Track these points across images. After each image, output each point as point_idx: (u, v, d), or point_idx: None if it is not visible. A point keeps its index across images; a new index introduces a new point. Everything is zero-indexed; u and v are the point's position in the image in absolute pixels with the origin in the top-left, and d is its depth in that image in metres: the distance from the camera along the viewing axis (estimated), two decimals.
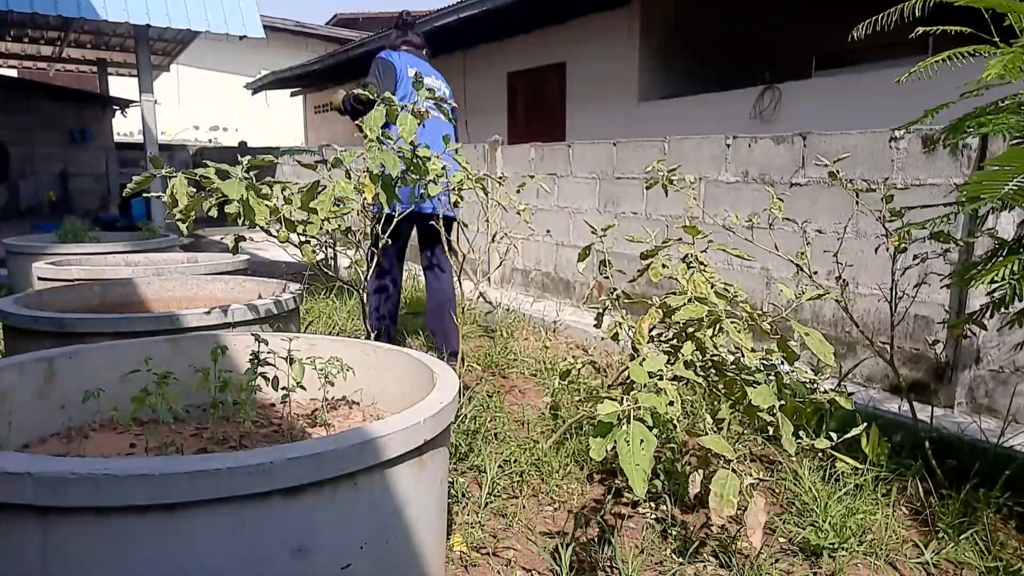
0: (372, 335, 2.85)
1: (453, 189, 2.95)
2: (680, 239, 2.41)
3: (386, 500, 1.39)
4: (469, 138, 10.24)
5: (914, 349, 3.31)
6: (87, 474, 1.12)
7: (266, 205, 2.11)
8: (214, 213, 2.17)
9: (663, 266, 2.34)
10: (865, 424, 2.08)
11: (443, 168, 2.68)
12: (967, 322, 2.28)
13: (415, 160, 2.48)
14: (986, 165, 2.26)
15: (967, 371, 3.12)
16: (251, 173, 2.12)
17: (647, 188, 2.74)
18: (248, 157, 2.13)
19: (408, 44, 3.75)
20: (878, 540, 2.05)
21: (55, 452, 1.68)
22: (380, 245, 2.86)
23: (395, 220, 2.90)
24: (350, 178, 2.45)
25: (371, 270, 2.89)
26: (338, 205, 2.42)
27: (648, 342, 2.17)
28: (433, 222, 3.12)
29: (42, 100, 14.03)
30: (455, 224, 3.62)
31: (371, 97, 2.63)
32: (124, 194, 2.15)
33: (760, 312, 2.18)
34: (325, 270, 2.81)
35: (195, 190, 2.09)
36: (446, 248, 3.31)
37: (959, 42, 1.97)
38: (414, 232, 3.65)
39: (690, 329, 2.14)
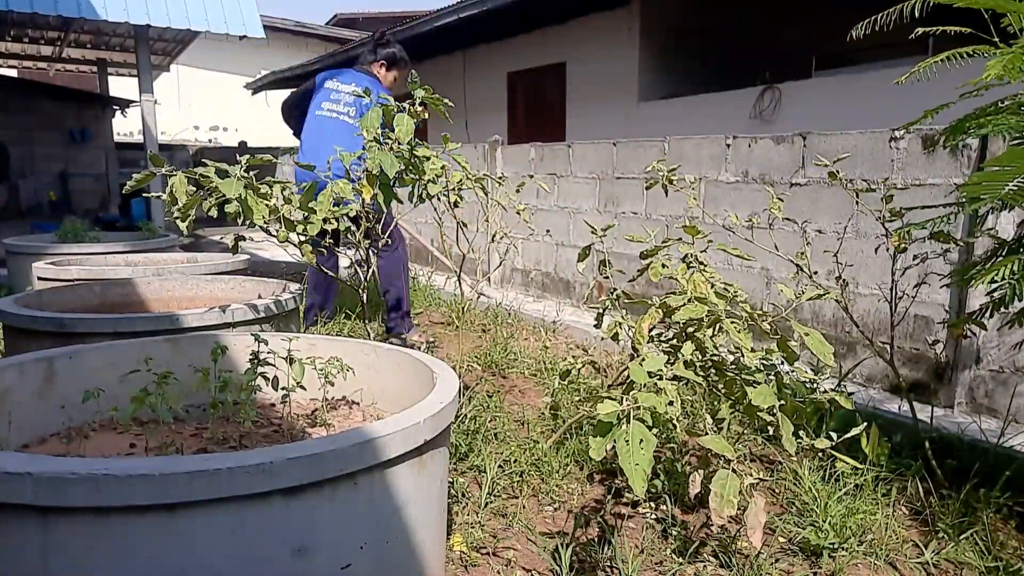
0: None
1: (452, 188, 2.95)
2: (680, 239, 2.41)
3: (386, 500, 1.39)
4: (469, 138, 10.24)
5: (914, 349, 3.31)
6: (87, 474, 1.12)
7: (265, 204, 2.12)
8: (214, 213, 2.17)
9: (663, 266, 2.34)
10: (865, 424, 2.08)
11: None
12: (967, 322, 2.28)
13: None
14: (986, 165, 2.26)
15: (967, 371, 3.12)
16: (251, 173, 2.12)
17: (647, 188, 2.74)
18: (247, 156, 2.14)
19: (359, 64, 4.16)
20: (878, 540, 2.05)
21: (55, 452, 1.68)
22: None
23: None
24: (349, 178, 2.46)
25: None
26: (337, 205, 2.42)
27: (648, 342, 2.17)
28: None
29: (42, 100, 14.03)
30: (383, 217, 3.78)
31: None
32: (124, 192, 2.15)
33: (760, 312, 2.18)
34: (325, 270, 2.82)
35: (194, 189, 2.09)
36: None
37: (959, 42, 1.97)
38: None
39: (690, 329, 2.14)
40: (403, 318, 4.09)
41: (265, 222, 2.17)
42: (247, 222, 2.10)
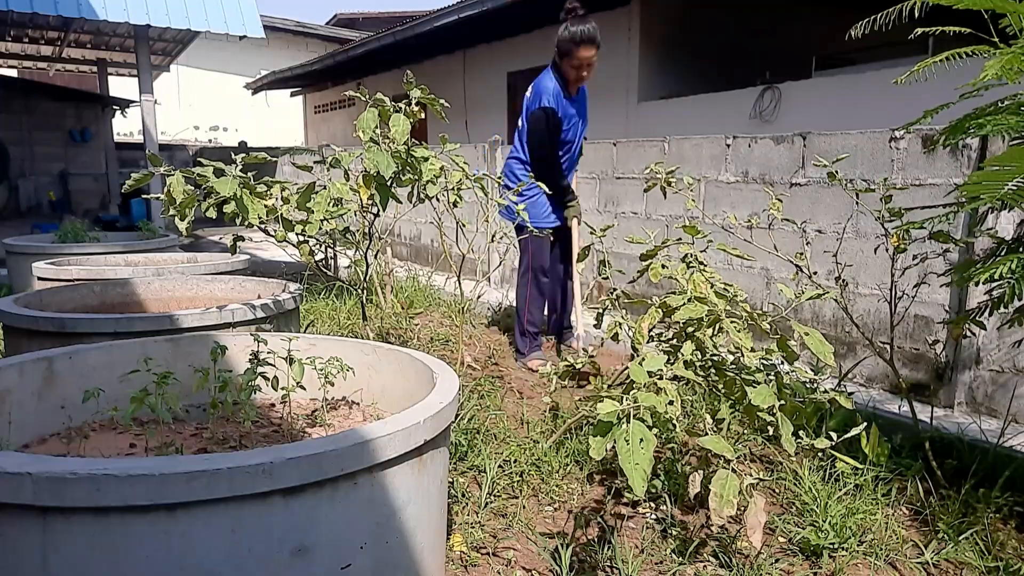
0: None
1: (452, 189, 2.95)
2: (680, 239, 2.41)
3: (386, 500, 1.39)
4: (469, 138, 10.24)
5: (914, 349, 3.31)
6: (87, 474, 1.12)
7: (263, 204, 2.12)
8: (213, 213, 2.17)
9: (663, 266, 2.34)
10: (865, 424, 2.08)
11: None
12: (967, 322, 2.28)
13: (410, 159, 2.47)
14: (986, 165, 2.26)
15: (967, 371, 3.12)
16: (248, 174, 2.12)
17: (646, 189, 2.74)
18: (243, 155, 2.13)
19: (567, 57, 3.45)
20: (878, 540, 2.05)
21: (55, 452, 1.68)
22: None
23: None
24: (348, 178, 2.46)
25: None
26: (337, 205, 2.42)
27: (648, 342, 2.17)
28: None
29: (42, 100, 14.05)
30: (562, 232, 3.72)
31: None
32: (123, 191, 2.15)
33: (760, 312, 2.18)
34: (324, 270, 2.82)
35: (192, 188, 2.09)
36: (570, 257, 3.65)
37: (959, 42, 1.96)
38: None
39: (690, 329, 2.14)
40: (522, 336, 3.77)
41: (262, 222, 2.16)
42: (246, 222, 2.10)
